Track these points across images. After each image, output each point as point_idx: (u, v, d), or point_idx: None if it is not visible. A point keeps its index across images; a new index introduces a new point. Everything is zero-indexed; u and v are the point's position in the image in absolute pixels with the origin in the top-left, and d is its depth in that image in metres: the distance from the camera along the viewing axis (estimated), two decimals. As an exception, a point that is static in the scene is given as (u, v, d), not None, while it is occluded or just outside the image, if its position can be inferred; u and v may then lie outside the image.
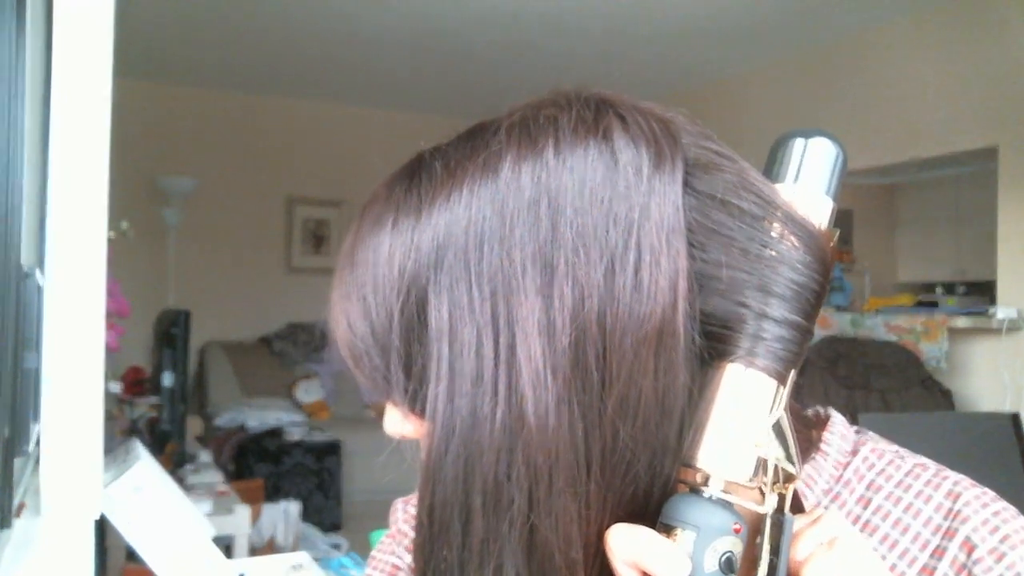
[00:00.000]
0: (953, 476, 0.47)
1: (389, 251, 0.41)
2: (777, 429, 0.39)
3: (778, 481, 0.39)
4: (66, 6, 1.19)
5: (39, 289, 1.19)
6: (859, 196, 5.46)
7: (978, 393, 3.36)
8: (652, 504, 0.40)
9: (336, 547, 3.71)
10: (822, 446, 0.48)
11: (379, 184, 0.46)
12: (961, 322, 3.35)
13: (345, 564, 2.40)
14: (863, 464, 0.48)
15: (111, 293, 1.84)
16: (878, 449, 0.49)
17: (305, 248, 5.69)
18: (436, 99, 5.33)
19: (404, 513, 0.62)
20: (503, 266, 0.39)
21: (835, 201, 0.43)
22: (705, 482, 0.38)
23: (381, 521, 0.70)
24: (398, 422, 0.46)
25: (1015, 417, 2.60)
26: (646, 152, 0.40)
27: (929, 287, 5.20)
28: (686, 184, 0.40)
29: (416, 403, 0.42)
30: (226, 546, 2.33)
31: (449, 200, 0.40)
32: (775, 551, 0.37)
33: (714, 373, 0.39)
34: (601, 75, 4.72)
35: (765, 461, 0.38)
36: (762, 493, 0.38)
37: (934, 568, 0.44)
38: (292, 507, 3.06)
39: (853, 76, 3.98)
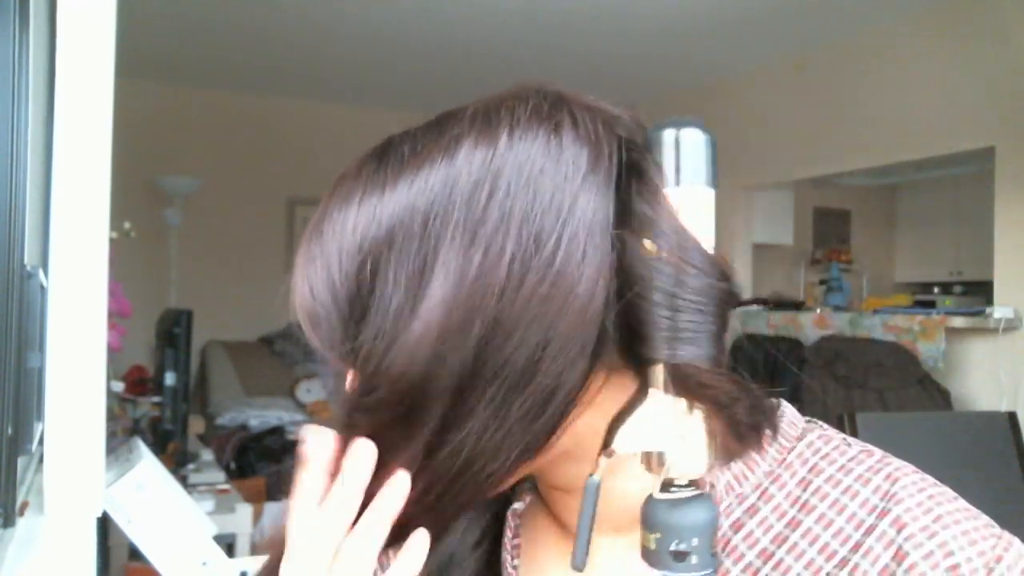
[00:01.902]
0: (897, 462, 0.48)
1: (353, 224, 0.45)
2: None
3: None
4: (69, 7, 1.20)
5: (43, 289, 1.20)
6: (857, 196, 5.47)
7: (975, 392, 3.37)
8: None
9: (337, 546, 3.71)
10: (767, 432, 0.49)
11: (350, 163, 0.49)
12: (958, 322, 3.36)
13: (345, 562, 2.41)
14: (808, 449, 0.50)
15: (113, 293, 1.85)
16: (826, 435, 0.51)
17: (306, 248, 5.70)
18: (437, 99, 5.30)
19: None
20: (439, 235, 0.43)
21: (714, 187, 0.44)
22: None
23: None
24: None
25: (1012, 416, 2.61)
26: (587, 152, 0.44)
27: (927, 287, 5.21)
28: (620, 187, 0.44)
29: (358, 358, 0.45)
30: (228, 545, 2.34)
31: (411, 179, 0.45)
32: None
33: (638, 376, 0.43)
34: (600, 73, 4.72)
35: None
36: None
37: (860, 543, 0.45)
38: (293, 506, 3.07)
39: (852, 76, 3.99)
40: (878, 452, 0.50)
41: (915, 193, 5.41)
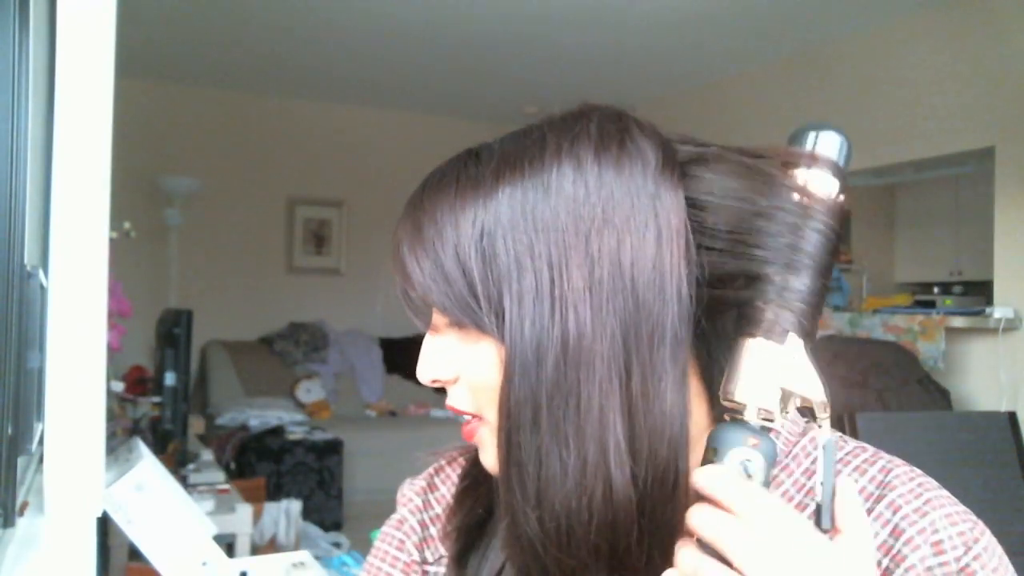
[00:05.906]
0: (887, 456, 0.56)
1: (474, 217, 0.52)
2: (800, 372, 0.49)
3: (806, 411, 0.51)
4: (69, 7, 1.20)
5: (42, 289, 1.20)
6: (857, 197, 5.45)
7: (975, 392, 3.37)
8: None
9: (337, 545, 3.72)
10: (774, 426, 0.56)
11: (441, 166, 0.56)
12: (958, 322, 3.36)
13: (346, 562, 2.41)
14: (810, 443, 0.58)
15: (113, 293, 1.85)
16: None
17: (306, 248, 5.70)
18: (436, 99, 5.34)
19: (410, 490, 0.69)
20: (557, 230, 0.51)
21: (843, 181, 0.54)
22: (740, 411, 0.49)
23: (381, 520, 0.71)
24: (442, 362, 0.56)
25: (1012, 416, 2.61)
26: (660, 155, 0.52)
27: (926, 287, 5.20)
28: (687, 177, 0.52)
29: (489, 327, 0.52)
30: (228, 544, 2.34)
31: (515, 185, 0.52)
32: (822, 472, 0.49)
33: (743, 342, 0.50)
34: (602, 75, 4.72)
35: (786, 393, 0.49)
36: (773, 418, 0.50)
37: None
38: (293, 506, 3.07)
39: (851, 76, 3.99)
40: (871, 448, 0.57)
41: (915, 193, 5.40)
